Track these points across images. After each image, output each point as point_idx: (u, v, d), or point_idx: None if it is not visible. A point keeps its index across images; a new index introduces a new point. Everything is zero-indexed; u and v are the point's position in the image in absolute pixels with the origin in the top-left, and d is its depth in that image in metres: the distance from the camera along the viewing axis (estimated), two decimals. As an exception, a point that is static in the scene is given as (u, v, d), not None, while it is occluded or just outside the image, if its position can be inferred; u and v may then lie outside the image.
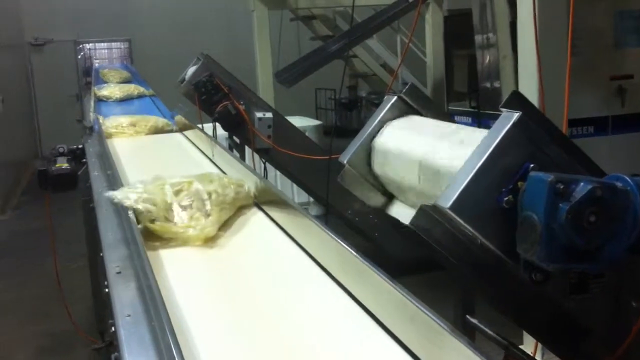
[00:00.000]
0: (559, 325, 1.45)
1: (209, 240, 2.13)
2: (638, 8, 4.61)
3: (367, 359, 1.49)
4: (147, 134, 4.10)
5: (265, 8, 7.93)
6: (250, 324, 1.60)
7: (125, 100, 5.79)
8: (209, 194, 2.24)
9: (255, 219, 2.36)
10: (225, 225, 2.24)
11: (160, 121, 4.33)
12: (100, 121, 4.21)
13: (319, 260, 1.88)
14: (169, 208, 2.15)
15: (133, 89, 6.15)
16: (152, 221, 2.11)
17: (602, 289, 1.31)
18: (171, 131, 4.26)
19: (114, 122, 4.20)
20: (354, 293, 1.67)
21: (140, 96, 5.96)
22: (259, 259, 2.06)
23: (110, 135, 4.04)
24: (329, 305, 1.67)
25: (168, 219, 2.13)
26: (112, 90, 6.01)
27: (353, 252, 1.65)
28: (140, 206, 2.11)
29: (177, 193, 2.21)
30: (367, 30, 8.80)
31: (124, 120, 4.26)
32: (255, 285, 1.84)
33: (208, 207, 2.20)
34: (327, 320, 1.61)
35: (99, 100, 5.73)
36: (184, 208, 2.18)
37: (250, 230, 2.26)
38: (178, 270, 1.93)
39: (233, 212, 2.32)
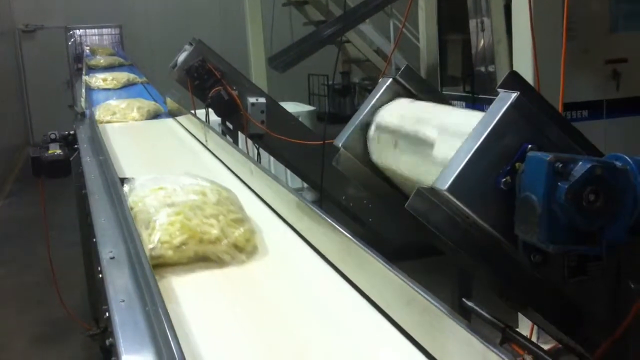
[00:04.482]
0: (557, 308, 1.44)
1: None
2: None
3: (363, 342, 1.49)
4: (121, 84, 6.17)
5: (257, -7, 7.87)
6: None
7: (108, 67, 7.48)
8: (141, 107, 4.66)
9: (167, 120, 4.61)
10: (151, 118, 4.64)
11: (131, 76, 6.35)
12: (89, 79, 6.19)
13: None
14: (127, 112, 4.61)
15: (115, 59, 8.06)
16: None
17: (600, 271, 1.30)
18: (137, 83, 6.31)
19: (101, 76, 6.33)
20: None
21: (120, 65, 7.81)
22: (167, 129, 4.27)
23: (98, 87, 6.11)
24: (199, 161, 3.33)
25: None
26: (98, 60, 7.91)
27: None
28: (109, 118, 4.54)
29: (127, 107, 4.68)
30: (360, 15, 8.75)
31: (107, 75, 6.36)
32: (164, 137, 4.07)
33: (141, 111, 4.62)
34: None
35: (89, 68, 7.41)
36: (130, 110, 4.61)
37: (163, 121, 4.57)
38: (129, 131, 4.29)
39: (152, 115, 4.64)
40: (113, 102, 4.80)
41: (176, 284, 1.74)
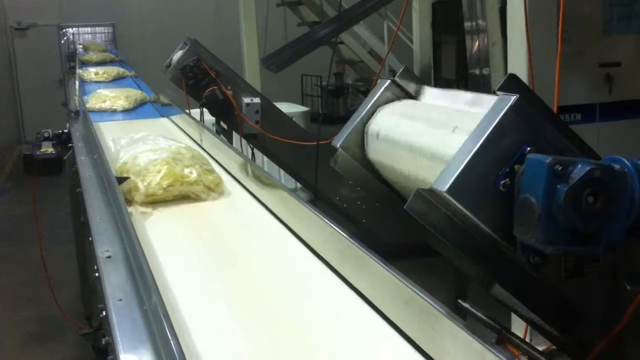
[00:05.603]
0: (554, 309, 1.45)
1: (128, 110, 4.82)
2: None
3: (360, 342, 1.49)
4: (112, 77, 6.52)
5: (252, -7, 7.87)
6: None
7: (100, 63, 7.82)
8: (129, 96, 4.94)
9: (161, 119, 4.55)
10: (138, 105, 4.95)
11: (121, 70, 6.76)
12: (83, 72, 6.57)
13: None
14: (117, 100, 4.88)
15: (107, 55, 8.38)
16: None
17: (597, 273, 1.31)
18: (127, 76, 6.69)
19: (93, 70, 6.73)
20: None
21: (112, 60, 8.13)
22: (161, 129, 3.99)
23: (90, 79, 6.43)
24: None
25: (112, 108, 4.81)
26: (90, 56, 8.18)
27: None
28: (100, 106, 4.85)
29: (116, 95, 4.96)
30: (355, 17, 8.77)
31: (99, 69, 6.79)
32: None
33: (129, 99, 4.89)
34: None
35: (82, 63, 7.75)
36: (119, 99, 4.88)
37: (147, 107, 4.92)
38: (122, 130, 3.77)
39: (139, 103, 4.96)
40: (103, 91, 5.16)
41: (167, 211, 2.41)
